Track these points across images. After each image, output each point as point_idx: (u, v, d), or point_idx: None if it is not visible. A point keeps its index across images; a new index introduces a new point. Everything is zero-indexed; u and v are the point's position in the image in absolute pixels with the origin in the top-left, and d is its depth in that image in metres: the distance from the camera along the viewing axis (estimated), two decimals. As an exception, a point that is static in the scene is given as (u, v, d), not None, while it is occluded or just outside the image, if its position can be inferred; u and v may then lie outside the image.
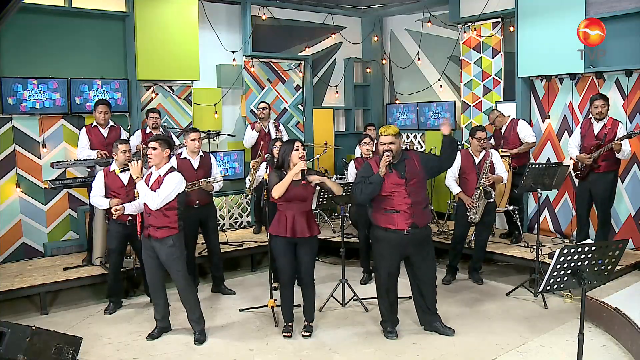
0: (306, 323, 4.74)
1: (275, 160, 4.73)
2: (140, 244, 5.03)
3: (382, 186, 4.34)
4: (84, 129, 6.00)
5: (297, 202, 4.49)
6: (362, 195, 4.40)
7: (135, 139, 6.24)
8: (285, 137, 7.06)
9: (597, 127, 5.77)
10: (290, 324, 4.72)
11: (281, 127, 7.27)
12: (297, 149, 4.47)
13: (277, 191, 4.41)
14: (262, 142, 6.92)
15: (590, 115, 5.85)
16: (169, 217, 4.42)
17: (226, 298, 5.71)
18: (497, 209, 6.42)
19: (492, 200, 5.78)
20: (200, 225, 5.68)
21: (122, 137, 6.08)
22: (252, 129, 7.02)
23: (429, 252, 4.57)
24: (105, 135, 5.98)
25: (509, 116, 6.69)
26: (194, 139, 5.46)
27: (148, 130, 6.34)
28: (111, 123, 6.08)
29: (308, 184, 4.52)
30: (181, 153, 5.57)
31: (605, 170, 5.72)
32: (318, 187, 4.73)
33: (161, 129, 6.38)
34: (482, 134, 5.80)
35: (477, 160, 5.82)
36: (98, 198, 5.13)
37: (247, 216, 7.83)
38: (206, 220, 5.66)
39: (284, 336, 4.66)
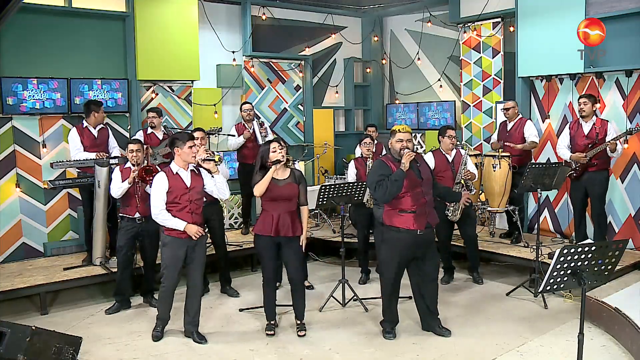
0: (298, 322, 4.74)
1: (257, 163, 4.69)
2: (147, 242, 5.18)
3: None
4: (74, 130, 5.92)
5: (281, 202, 4.50)
6: (387, 195, 4.25)
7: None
8: (270, 136, 7.04)
9: (586, 127, 5.82)
10: (272, 322, 4.74)
11: (266, 125, 7.18)
12: (275, 150, 4.47)
13: (258, 189, 4.48)
14: (250, 144, 6.88)
15: (579, 116, 5.92)
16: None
17: (226, 298, 5.70)
18: (497, 209, 6.43)
19: (473, 192, 5.77)
20: (206, 225, 5.63)
21: (110, 137, 6.11)
22: (239, 135, 6.92)
23: (433, 251, 4.58)
24: (96, 136, 5.96)
25: (519, 114, 6.68)
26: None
27: (150, 130, 6.35)
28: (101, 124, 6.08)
29: (292, 184, 4.53)
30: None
31: (599, 169, 5.77)
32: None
33: (162, 129, 6.39)
34: (452, 132, 5.78)
35: (450, 158, 5.78)
36: (119, 185, 5.06)
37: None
38: (212, 219, 5.59)
39: (267, 334, 4.68)
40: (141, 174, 4.98)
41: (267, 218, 4.54)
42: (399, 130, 4.37)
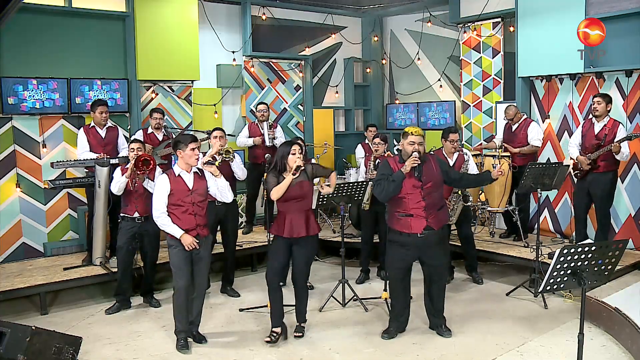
0: (298, 324, 4.72)
1: (274, 163, 4.61)
2: (147, 242, 5.20)
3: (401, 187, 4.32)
4: (81, 130, 5.97)
5: (294, 202, 4.46)
6: (383, 194, 4.38)
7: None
8: (280, 138, 7.06)
9: (597, 127, 5.77)
10: (276, 330, 4.56)
11: (279, 128, 7.23)
12: (294, 153, 4.43)
13: (276, 193, 4.42)
14: (260, 144, 6.97)
15: (591, 115, 5.87)
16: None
17: (226, 298, 5.71)
18: (497, 209, 6.43)
19: (470, 203, 5.75)
20: (220, 225, 5.60)
21: (120, 137, 6.13)
22: (250, 135, 6.99)
23: (442, 251, 4.56)
24: (104, 136, 5.97)
25: (524, 114, 6.67)
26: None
27: (150, 130, 6.35)
28: (109, 123, 6.07)
29: (304, 182, 4.48)
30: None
31: (604, 170, 5.71)
32: (316, 188, 4.71)
33: (163, 129, 6.39)
34: (454, 136, 5.67)
35: (451, 163, 5.72)
36: (117, 179, 5.07)
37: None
38: (226, 219, 5.56)
39: (266, 341, 4.50)
40: (138, 162, 4.95)
41: (280, 219, 4.51)
42: (411, 132, 4.35)
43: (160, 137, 6.36)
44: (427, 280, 4.66)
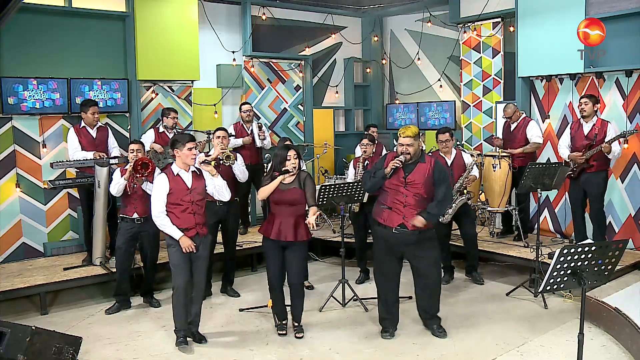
0: (295, 324, 4.74)
1: (273, 166, 4.62)
2: (146, 242, 5.21)
3: (385, 181, 4.41)
4: (72, 130, 5.94)
5: (285, 206, 4.49)
6: (367, 186, 4.62)
7: (147, 138, 6.25)
8: (267, 139, 7.06)
9: (586, 127, 5.83)
10: (284, 322, 4.75)
11: (264, 128, 7.18)
12: (289, 159, 4.46)
13: (262, 193, 4.49)
14: (248, 145, 6.88)
15: (579, 116, 5.92)
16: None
17: (226, 298, 5.70)
18: (497, 209, 6.43)
19: (469, 202, 5.77)
20: (220, 225, 5.58)
21: (110, 137, 6.12)
22: (238, 136, 6.88)
23: (427, 255, 4.49)
24: (94, 136, 5.95)
25: (522, 112, 6.67)
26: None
27: (161, 129, 6.35)
28: (99, 123, 6.06)
29: (296, 188, 4.50)
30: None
31: (597, 170, 5.77)
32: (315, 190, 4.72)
33: (174, 129, 6.40)
34: (442, 136, 5.74)
35: (449, 162, 5.74)
36: (117, 181, 5.08)
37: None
38: (227, 219, 5.53)
39: (279, 334, 4.68)
40: (136, 165, 4.95)
41: (271, 220, 4.55)
42: (400, 134, 4.39)
43: (171, 137, 6.36)
44: (415, 282, 4.67)
